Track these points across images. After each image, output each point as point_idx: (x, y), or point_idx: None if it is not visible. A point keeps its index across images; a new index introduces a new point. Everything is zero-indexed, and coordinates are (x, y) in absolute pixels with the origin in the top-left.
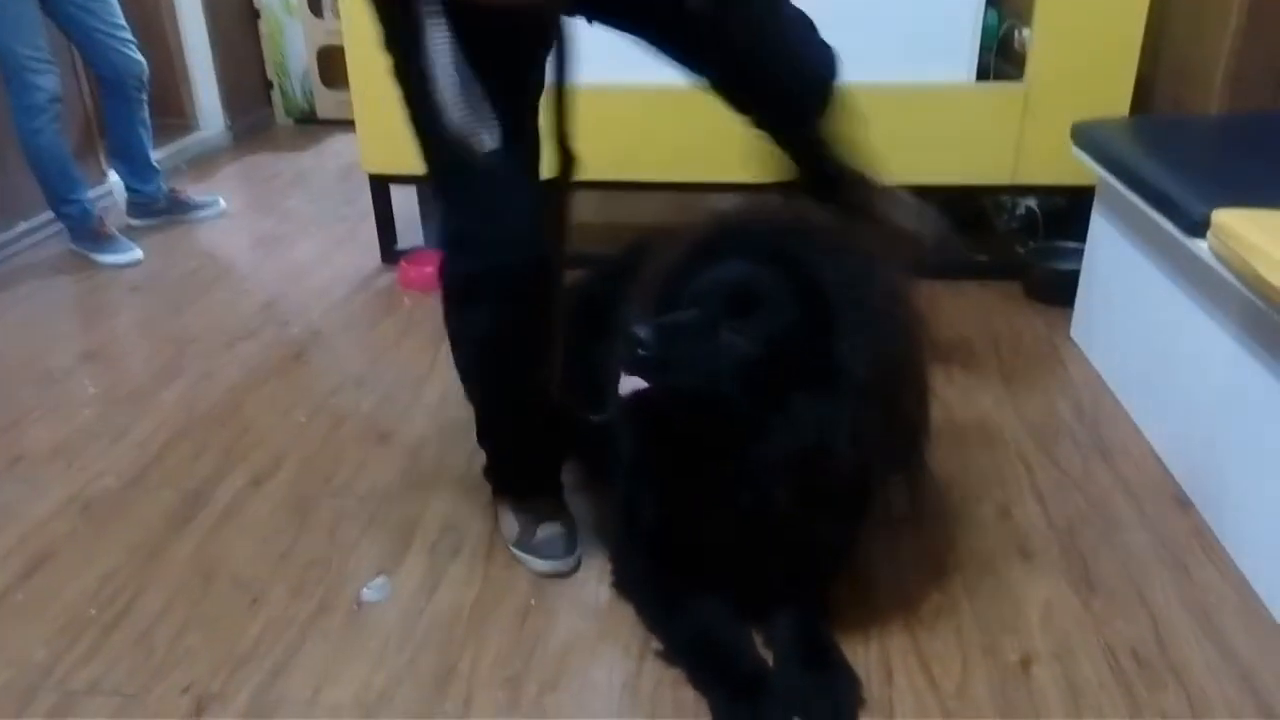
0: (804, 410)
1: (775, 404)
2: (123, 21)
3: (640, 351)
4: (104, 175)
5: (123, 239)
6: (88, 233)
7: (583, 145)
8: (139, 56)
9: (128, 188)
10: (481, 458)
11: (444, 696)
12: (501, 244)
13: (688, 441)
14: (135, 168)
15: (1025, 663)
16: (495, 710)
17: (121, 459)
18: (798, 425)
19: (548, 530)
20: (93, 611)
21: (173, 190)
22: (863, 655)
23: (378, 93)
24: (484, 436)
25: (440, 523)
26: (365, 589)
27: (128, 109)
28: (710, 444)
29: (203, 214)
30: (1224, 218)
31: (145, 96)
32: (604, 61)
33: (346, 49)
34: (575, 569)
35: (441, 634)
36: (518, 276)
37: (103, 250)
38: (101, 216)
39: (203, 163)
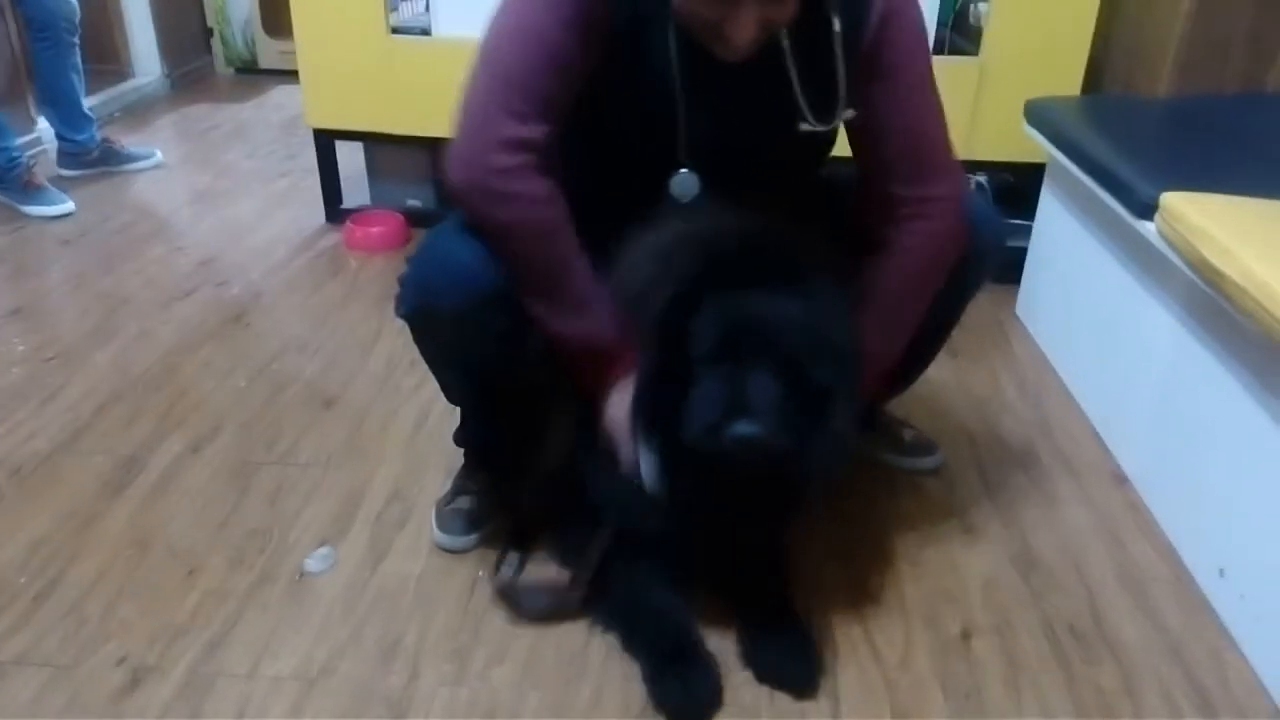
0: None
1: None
2: None
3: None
4: (33, 123)
5: (53, 190)
6: (15, 182)
7: None
8: None
9: (59, 136)
10: (430, 423)
11: (389, 669)
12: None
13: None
14: (67, 115)
15: (966, 636)
16: (441, 682)
17: (52, 422)
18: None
19: (461, 502)
20: (22, 580)
21: (106, 140)
22: (812, 624)
23: (323, 43)
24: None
25: (386, 492)
26: (308, 559)
27: (57, 52)
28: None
29: (139, 166)
30: (1172, 201)
31: (77, 40)
32: None
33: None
34: (465, 550)
35: (387, 606)
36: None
37: (31, 201)
38: (30, 166)
39: (138, 112)
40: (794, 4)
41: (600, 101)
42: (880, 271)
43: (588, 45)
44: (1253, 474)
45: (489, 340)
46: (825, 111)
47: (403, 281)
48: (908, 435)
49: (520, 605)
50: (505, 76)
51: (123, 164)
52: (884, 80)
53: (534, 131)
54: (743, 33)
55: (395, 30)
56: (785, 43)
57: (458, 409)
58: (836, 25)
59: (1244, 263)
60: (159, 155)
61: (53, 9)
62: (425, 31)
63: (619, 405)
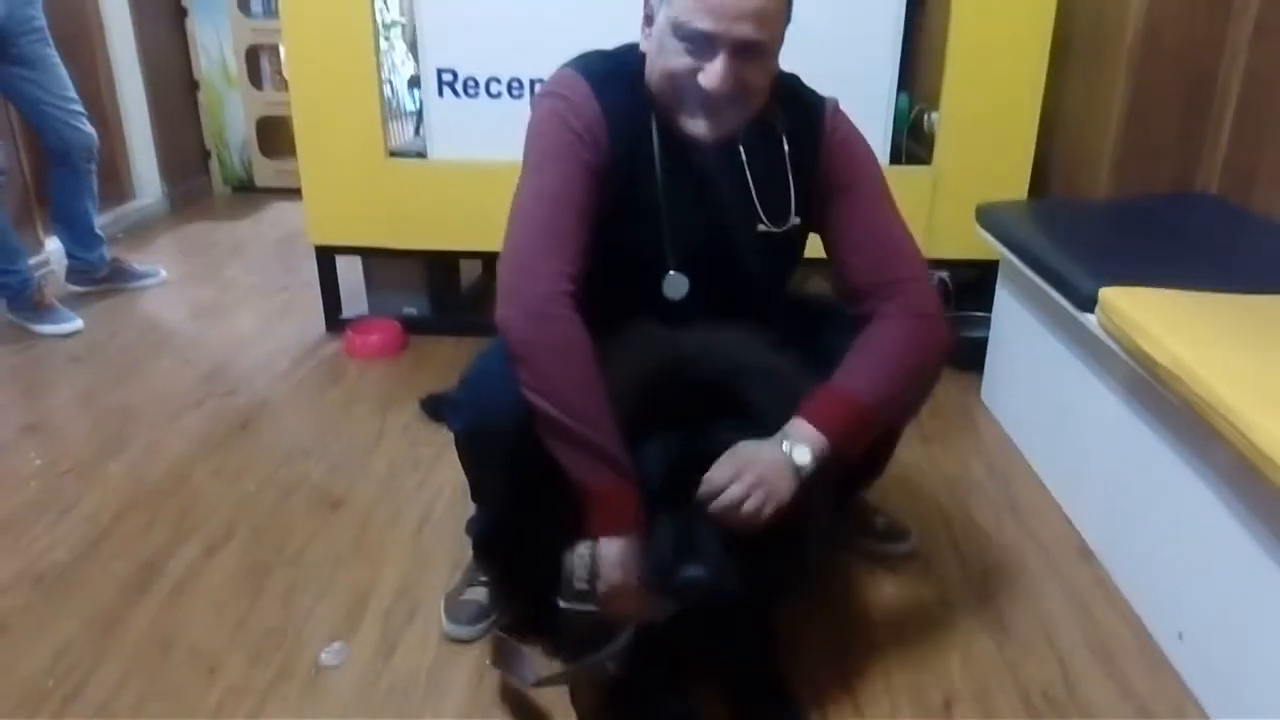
0: None
1: None
2: (73, 93)
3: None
4: (41, 244)
5: (62, 309)
6: (27, 302)
7: None
8: (89, 129)
9: (69, 254)
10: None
11: None
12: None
13: None
14: (79, 235)
15: (948, 704)
16: None
17: (72, 532)
18: None
19: (473, 593)
20: (50, 684)
21: (115, 259)
22: (799, 695)
23: (325, 166)
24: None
25: (393, 589)
26: (323, 654)
27: (75, 179)
28: None
29: (145, 283)
30: (1110, 295)
31: (94, 167)
32: None
33: (295, 121)
34: (473, 639)
35: (400, 697)
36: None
37: (42, 320)
38: (41, 286)
39: (139, 231)
40: (756, 104)
41: (605, 229)
42: (864, 335)
43: (600, 180)
44: (1197, 541)
45: (533, 454)
46: (779, 216)
47: (455, 401)
48: (880, 522)
49: (514, 670)
50: (541, 230)
51: (131, 281)
52: (847, 194)
53: (570, 267)
54: (716, 82)
55: (392, 154)
56: (743, 156)
57: (471, 505)
58: (787, 147)
59: (1172, 350)
60: (163, 273)
61: (72, 140)
62: (421, 154)
63: (613, 559)
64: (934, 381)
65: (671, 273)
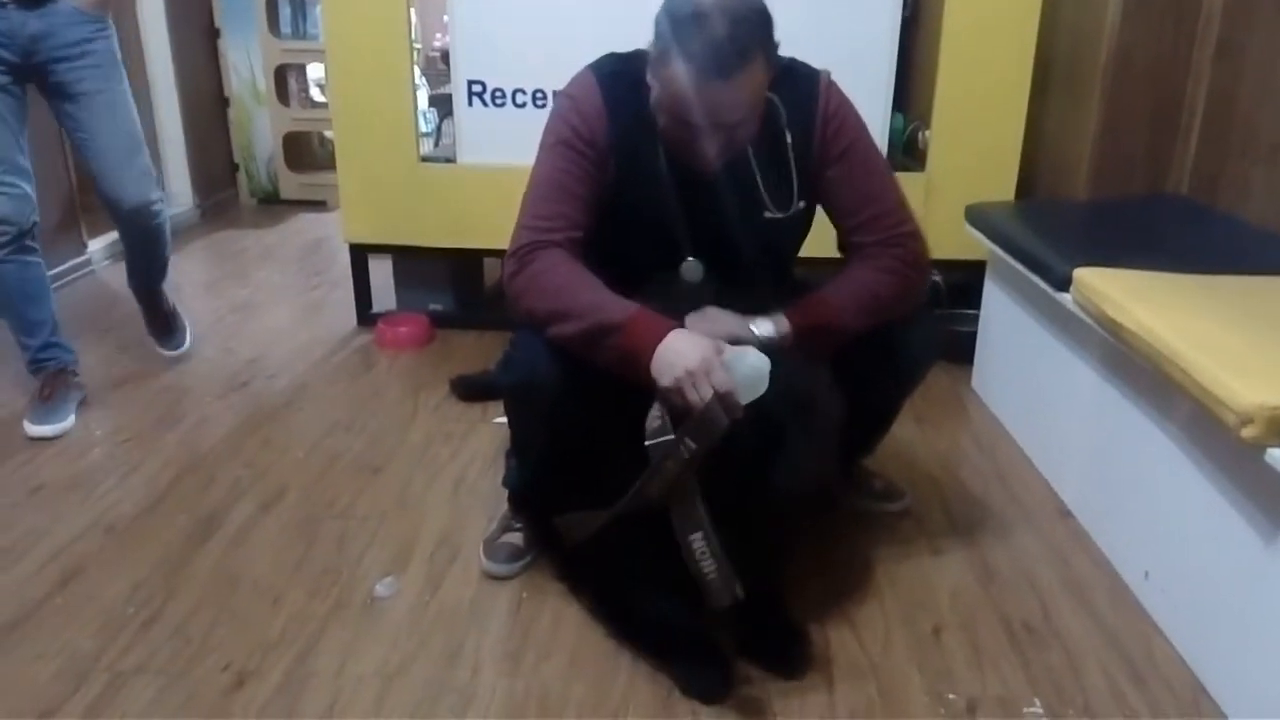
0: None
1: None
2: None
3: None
4: (84, 246)
5: (61, 404)
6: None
7: None
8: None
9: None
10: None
11: (454, 668)
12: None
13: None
14: None
15: (937, 631)
16: (499, 676)
17: (136, 490)
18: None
19: (509, 537)
20: (130, 610)
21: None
22: (804, 624)
23: (361, 171)
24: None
25: (436, 538)
26: (377, 586)
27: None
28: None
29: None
30: (1083, 274)
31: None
32: None
33: (335, 128)
34: (510, 576)
35: (448, 621)
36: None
37: (34, 412)
38: (52, 372)
39: (173, 238)
40: (753, 129)
41: (620, 220)
42: (858, 268)
43: (599, 169)
44: (1161, 488)
45: (574, 407)
46: (784, 202)
47: (507, 358)
48: (878, 484)
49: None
50: (534, 203)
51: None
52: (841, 163)
53: (561, 222)
54: (712, 150)
55: (424, 159)
56: (750, 152)
57: (503, 469)
58: (789, 138)
59: (1138, 316)
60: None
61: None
62: (450, 159)
63: (678, 348)
64: (906, 311)
65: (689, 259)
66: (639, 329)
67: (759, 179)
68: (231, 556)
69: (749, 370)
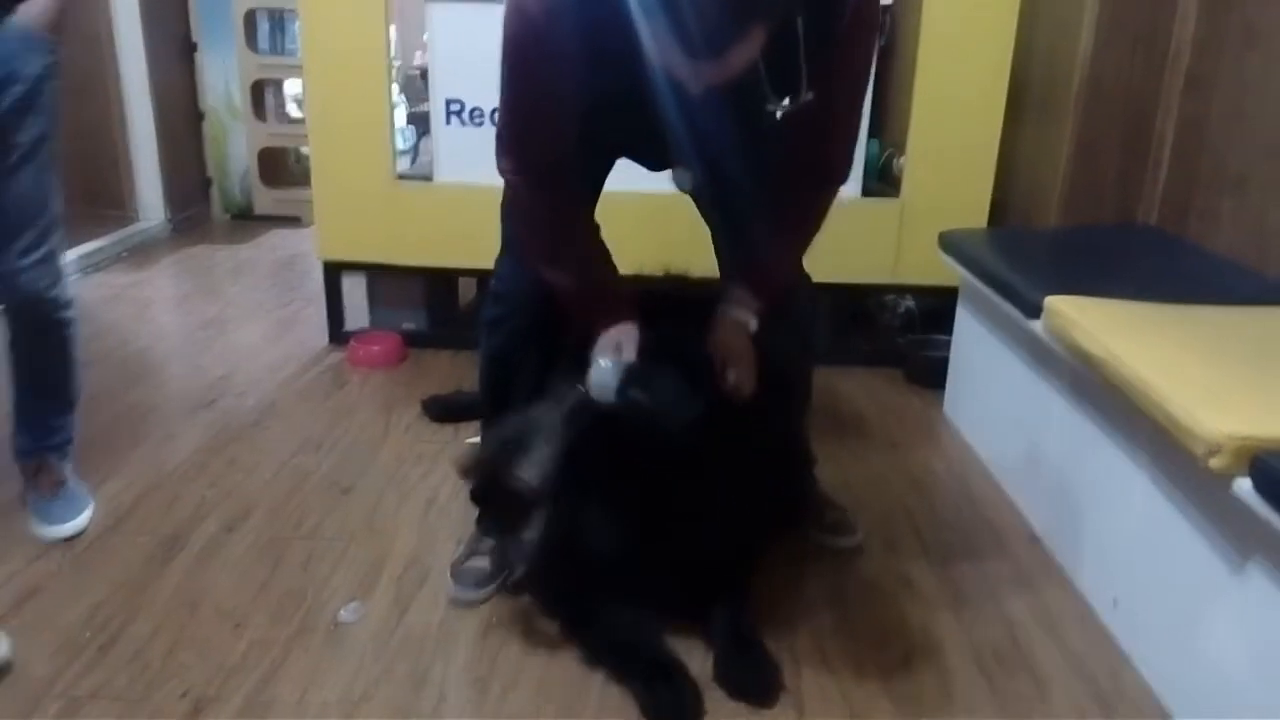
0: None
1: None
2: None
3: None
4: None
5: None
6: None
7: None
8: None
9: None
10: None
11: (420, 696)
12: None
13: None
14: None
15: (907, 657)
16: (465, 705)
17: (97, 510)
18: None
19: (476, 562)
20: (87, 634)
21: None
22: (776, 652)
23: (336, 188)
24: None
25: (405, 560)
26: (341, 611)
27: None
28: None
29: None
30: (1054, 302)
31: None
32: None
33: (311, 144)
34: (478, 602)
35: (414, 647)
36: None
37: (39, 506)
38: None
39: (142, 252)
40: (756, 50)
41: (611, 123)
42: (796, 210)
43: (566, 73)
44: (1132, 518)
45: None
46: (791, 91)
47: (492, 293)
48: (830, 517)
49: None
50: (513, 136)
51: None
52: (835, 77)
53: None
54: (713, 81)
55: (401, 177)
56: None
57: (464, 486)
58: (800, 28)
59: (1105, 343)
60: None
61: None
62: (427, 178)
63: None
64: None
65: (677, 168)
66: (604, 323)
67: (764, 76)
68: (194, 578)
69: (602, 379)
